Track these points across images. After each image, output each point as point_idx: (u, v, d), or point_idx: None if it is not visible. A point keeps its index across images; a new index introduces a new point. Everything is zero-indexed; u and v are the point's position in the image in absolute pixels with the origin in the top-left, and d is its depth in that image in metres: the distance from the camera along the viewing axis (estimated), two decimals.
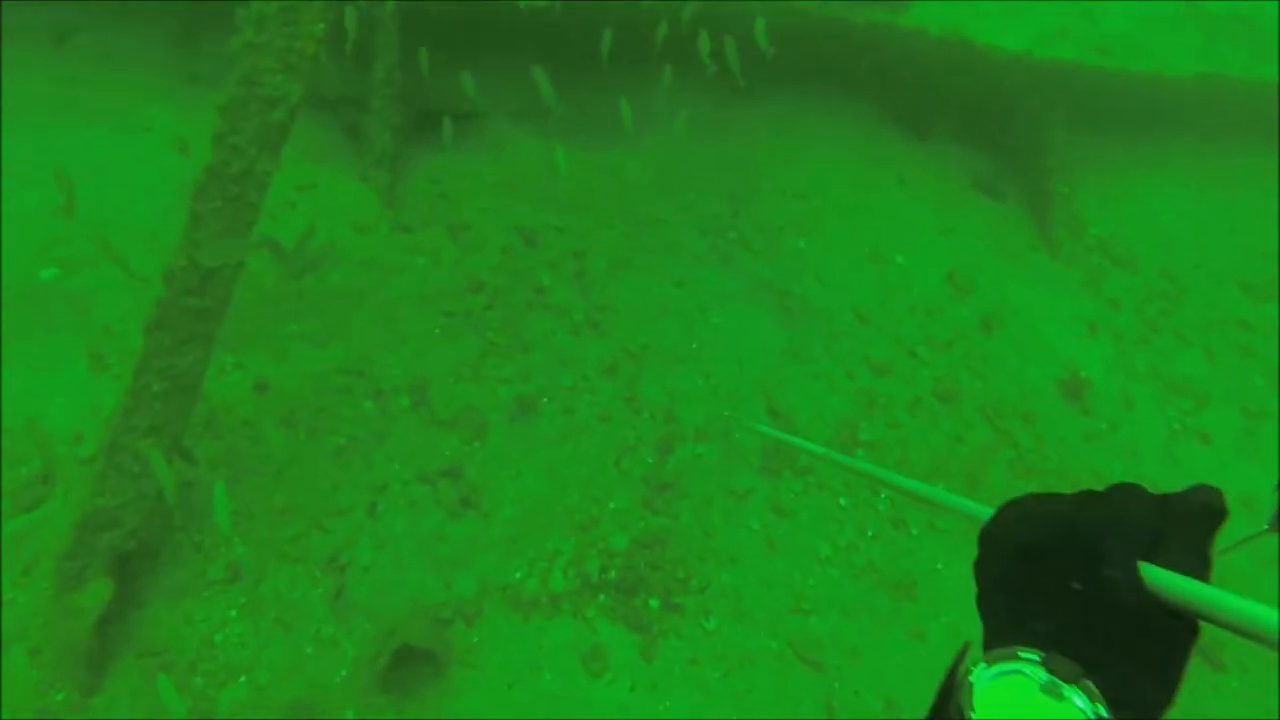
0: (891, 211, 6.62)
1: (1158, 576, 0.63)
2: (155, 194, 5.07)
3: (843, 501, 5.12)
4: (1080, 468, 5.61)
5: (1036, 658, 0.60)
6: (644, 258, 5.79)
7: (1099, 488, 0.74)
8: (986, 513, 0.81)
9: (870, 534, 5.03)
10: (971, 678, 0.61)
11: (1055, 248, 6.75)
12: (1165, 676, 0.62)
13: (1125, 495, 0.70)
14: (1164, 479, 5.71)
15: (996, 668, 0.61)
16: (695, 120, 6.45)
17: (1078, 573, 0.65)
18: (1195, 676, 4.81)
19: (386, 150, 5.60)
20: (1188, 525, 0.67)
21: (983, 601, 0.74)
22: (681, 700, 4.16)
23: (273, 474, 4.34)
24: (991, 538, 0.76)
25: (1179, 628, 0.62)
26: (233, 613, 3.80)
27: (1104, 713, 0.56)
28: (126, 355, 4.35)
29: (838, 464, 1.50)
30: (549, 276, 5.52)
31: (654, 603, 4.53)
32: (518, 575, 4.46)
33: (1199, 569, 0.65)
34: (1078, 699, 0.57)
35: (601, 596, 4.50)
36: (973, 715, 0.58)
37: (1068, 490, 0.75)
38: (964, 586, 4.61)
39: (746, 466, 5.11)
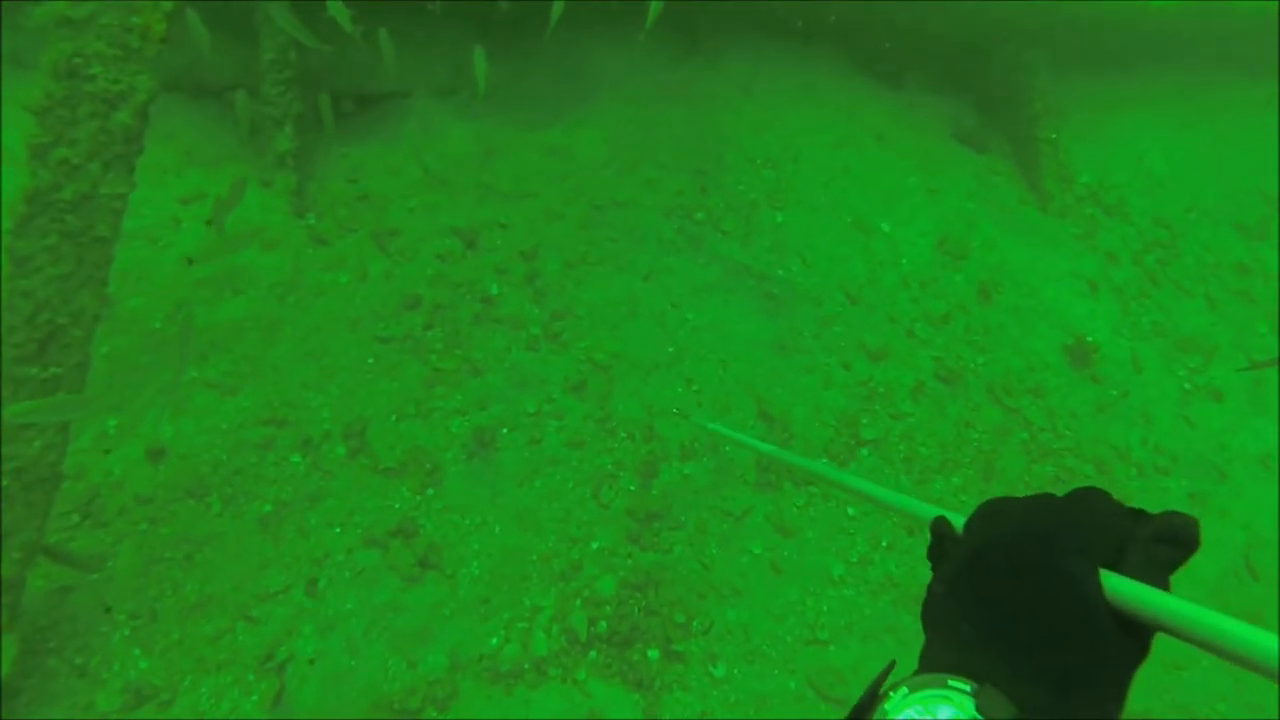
0: (871, 173, 5.99)
1: (1121, 586, 0.58)
2: None
3: (851, 511, 4.58)
4: (1096, 442, 5.18)
5: (967, 689, 0.55)
6: (604, 251, 5.05)
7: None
8: (933, 514, 0.78)
9: (884, 544, 4.51)
10: (889, 705, 0.56)
11: (1046, 200, 6.23)
12: (1109, 693, 0.56)
13: (1093, 501, 0.65)
14: (1181, 445, 5.32)
15: (921, 694, 0.55)
16: (649, 85, 5.67)
17: (1034, 575, 0.61)
18: None
19: (288, 146, 4.70)
20: (1155, 547, 0.60)
21: (929, 605, 0.68)
22: None
23: (181, 560, 3.57)
24: (952, 539, 0.72)
25: (1130, 643, 0.58)
26: None
27: None
28: None
29: (796, 465, 1.38)
30: (496, 284, 4.75)
31: (653, 653, 3.96)
32: (494, 642, 3.82)
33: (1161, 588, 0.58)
34: None
35: (593, 654, 3.90)
36: None
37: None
38: None
39: (741, 482, 4.52)
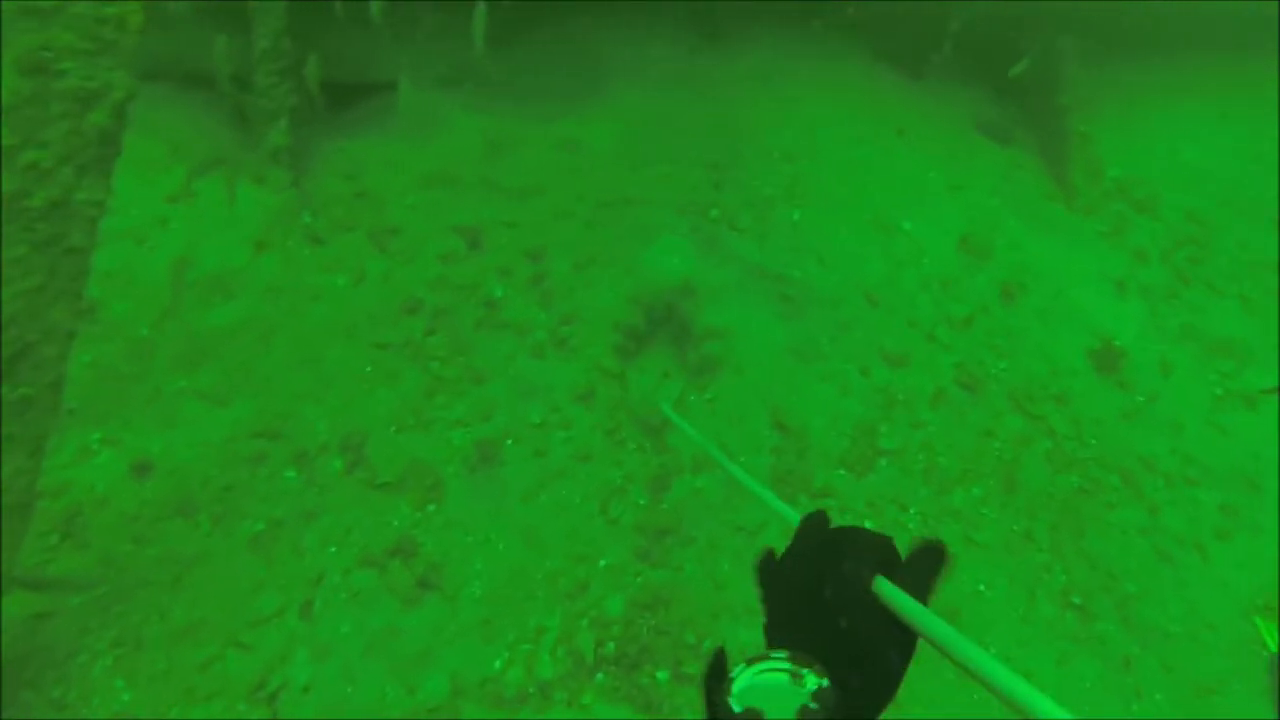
0: (892, 169, 5.73)
1: (887, 590, 0.74)
2: None
3: (868, 525, 4.39)
4: (1122, 451, 4.97)
5: (784, 655, 0.74)
6: (614, 250, 4.82)
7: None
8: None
9: None
10: (733, 674, 0.75)
11: (1073, 195, 5.97)
12: (886, 675, 0.72)
13: (860, 531, 0.83)
14: (1212, 455, 5.10)
15: (755, 667, 0.74)
16: (663, 76, 5.41)
17: (822, 576, 0.79)
18: None
19: (283, 141, 4.47)
20: (918, 560, 0.78)
21: (763, 603, 0.87)
22: None
23: (169, 583, 3.40)
24: (771, 557, 0.89)
25: (902, 639, 0.73)
26: None
27: (827, 686, 0.70)
28: None
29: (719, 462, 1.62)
30: (501, 286, 4.53)
31: (662, 675, 3.80)
32: (497, 665, 3.66)
33: (922, 595, 0.75)
34: (811, 680, 0.70)
35: (600, 676, 3.74)
36: (731, 701, 0.72)
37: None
38: (1011, 608, 3.75)
39: (755, 497, 4.32)
